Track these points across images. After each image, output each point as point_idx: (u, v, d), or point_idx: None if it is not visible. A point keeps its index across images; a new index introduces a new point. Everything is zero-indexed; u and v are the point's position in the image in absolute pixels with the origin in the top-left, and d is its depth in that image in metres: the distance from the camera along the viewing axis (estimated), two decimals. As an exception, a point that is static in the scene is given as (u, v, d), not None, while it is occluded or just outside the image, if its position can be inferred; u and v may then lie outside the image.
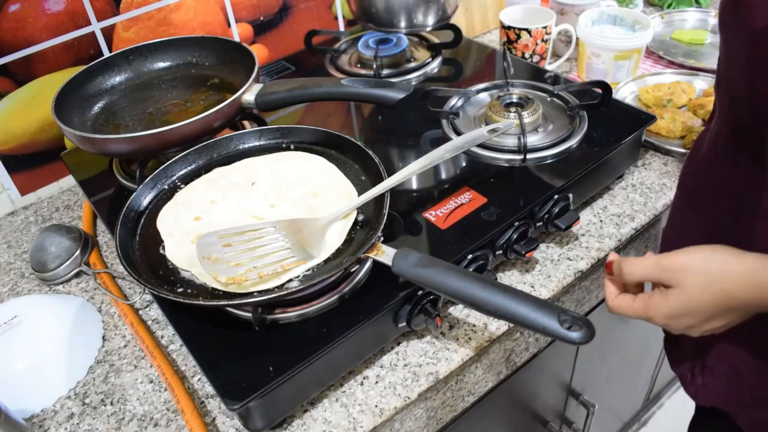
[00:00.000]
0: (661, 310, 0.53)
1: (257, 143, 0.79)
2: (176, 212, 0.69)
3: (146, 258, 0.65)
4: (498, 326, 0.70)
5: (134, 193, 0.70)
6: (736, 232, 0.61)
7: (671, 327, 0.54)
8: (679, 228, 0.72)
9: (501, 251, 0.72)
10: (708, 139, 0.67)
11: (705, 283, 0.50)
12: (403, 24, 0.99)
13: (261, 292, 0.59)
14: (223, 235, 0.62)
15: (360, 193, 0.68)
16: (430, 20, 1.00)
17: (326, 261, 0.62)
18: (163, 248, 0.65)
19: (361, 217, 0.67)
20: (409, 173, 0.65)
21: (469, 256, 0.68)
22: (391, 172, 0.67)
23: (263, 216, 0.68)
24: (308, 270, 0.61)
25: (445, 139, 0.83)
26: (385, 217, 0.62)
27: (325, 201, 0.69)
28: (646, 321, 0.55)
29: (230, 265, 0.59)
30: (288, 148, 0.78)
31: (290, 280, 0.60)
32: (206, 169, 0.76)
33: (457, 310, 0.72)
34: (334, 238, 0.64)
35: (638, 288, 0.58)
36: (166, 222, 0.68)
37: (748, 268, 0.49)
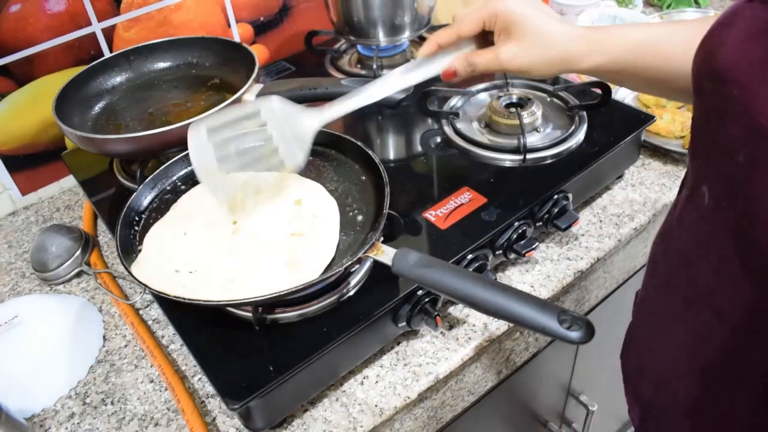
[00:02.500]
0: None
1: (257, 143, 0.79)
2: (161, 232, 0.67)
3: (147, 258, 0.65)
4: (498, 326, 0.70)
5: (135, 193, 0.70)
6: (729, 357, 0.45)
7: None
8: (652, 331, 0.57)
9: (501, 251, 0.72)
10: (678, 220, 0.50)
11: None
12: (381, 35, 0.99)
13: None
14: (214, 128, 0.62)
15: (353, 198, 0.68)
16: (408, 32, 1.00)
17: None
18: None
19: (360, 218, 0.67)
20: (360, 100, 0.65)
21: (469, 256, 0.69)
22: (391, 172, 0.67)
23: (242, 221, 0.67)
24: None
25: (446, 139, 0.83)
26: (385, 217, 0.63)
27: (306, 209, 0.67)
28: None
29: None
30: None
31: (293, 290, 0.59)
32: (206, 169, 0.76)
33: (457, 310, 0.72)
34: (334, 238, 0.64)
35: None
36: (151, 245, 0.66)
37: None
